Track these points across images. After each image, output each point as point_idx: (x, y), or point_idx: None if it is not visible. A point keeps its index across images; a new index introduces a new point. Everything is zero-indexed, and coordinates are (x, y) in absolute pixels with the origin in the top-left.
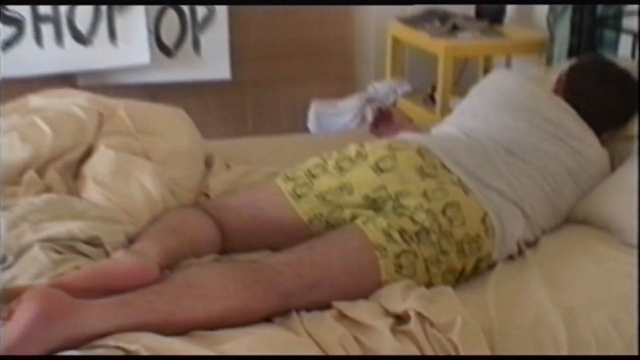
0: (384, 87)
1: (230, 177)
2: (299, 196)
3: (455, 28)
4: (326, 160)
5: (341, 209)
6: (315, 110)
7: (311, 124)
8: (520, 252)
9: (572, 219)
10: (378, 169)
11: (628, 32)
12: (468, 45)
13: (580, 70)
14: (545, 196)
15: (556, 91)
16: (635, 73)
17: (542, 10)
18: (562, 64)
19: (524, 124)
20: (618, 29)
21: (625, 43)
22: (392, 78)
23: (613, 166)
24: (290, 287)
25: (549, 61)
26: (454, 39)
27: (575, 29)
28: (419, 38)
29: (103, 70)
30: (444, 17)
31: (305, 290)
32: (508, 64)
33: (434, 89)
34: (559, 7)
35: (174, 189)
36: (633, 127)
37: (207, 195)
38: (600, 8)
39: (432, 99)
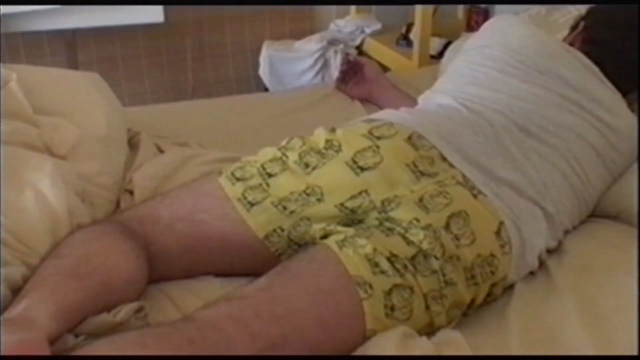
0: (348, 26)
1: (162, 167)
2: (251, 203)
3: None
4: (286, 153)
5: (308, 222)
6: (268, 54)
7: (263, 71)
8: (541, 264)
9: (602, 213)
10: (356, 166)
11: None
12: None
13: (603, 15)
14: (571, 187)
15: (572, 42)
16: None
17: None
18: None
19: (540, 90)
20: None
21: None
22: (358, 14)
23: None
24: (242, 353)
25: None
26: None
27: None
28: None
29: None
30: None
31: (264, 354)
32: None
33: (409, 27)
34: None
35: (88, 190)
36: None
37: (131, 193)
38: None
39: (406, 39)
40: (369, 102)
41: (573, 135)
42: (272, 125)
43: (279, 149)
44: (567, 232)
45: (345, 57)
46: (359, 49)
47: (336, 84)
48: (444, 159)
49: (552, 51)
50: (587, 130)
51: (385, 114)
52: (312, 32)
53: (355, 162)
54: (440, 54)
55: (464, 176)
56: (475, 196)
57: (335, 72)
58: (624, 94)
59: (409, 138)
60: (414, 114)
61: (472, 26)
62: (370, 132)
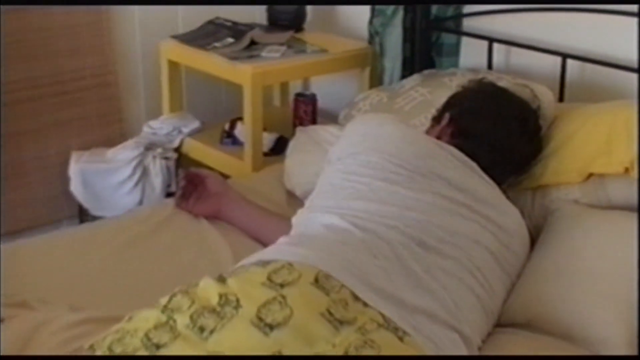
0: (164, 127)
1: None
2: None
3: (253, 44)
4: (172, 315)
5: None
6: (78, 168)
7: (75, 187)
8: None
9: (509, 321)
10: (263, 324)
11: (471, 35)
12: (279, 67)
13: (468, 105)
14: (478, 300)
15: (439, 136)
16: (526, 93)
17: (355, 12)
18: (397, 81)
19: (428, 197)
20: (459, 32)
21: (470, 48)
22: (172, 114)
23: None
24: None
25: (378, 78)
26: (259, 61)
27: (408, 34)
28: (211, 63)
29: None
30: (234, 30)
31: None
32: (307, 85)
33: (233, 124)
34: (390, 9)
35: None
36: (538, 171)
37: None
38: (435, 8)
39: (231, 137)
40: (218, 219)
41: (470, 242)
42: (119, 264)
43: (163, 311)
44: (479, 349)
45: (185, 174)
46: (178, 151)
47: (176, 202)
48: (357, 297)
49: (428, 151)
50: (481, 234)
51: (276, 252)
52: (123, 137)
53: (261, 320)
54: (273, 150)
55: (383, 316)
56: (401, 338)
57: (156, 179)
58: (498, 184)
59: (316, 281)
60: (306, 244)
61: (300, 116)
62: (270, 279)
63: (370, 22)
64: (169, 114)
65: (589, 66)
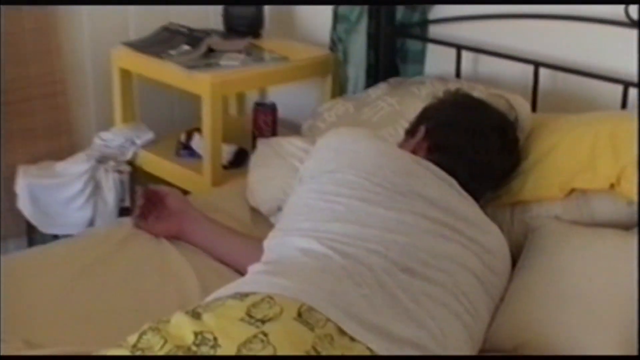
0: (116, 138)
1: None
2: None
3: (210, 51)
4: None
5: None
6: (26, 183)
7: (23, 203)
8: None
9: (495, 347)
10: None
11: (439, 42)
12: (239, 76)
13: (444, 118)
14: (465, 328)
15: (415, 150)
16: (502, 104)
17: (315, 18)
18: (361, 90)
19: (409, 217)
20: (427, 39)
21: (435, 55)
22: (126, 124)
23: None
24: None
25: (341, 87)
26: (218, 70)
27: (372, 41)
28: (167, 72)
29: None
30: (190, 37)
31: None
32: (264, 93)
33: (190, 135)
34: (354, 14)
35: None
36: (516, 185)
37: None
38: (400, 14)
39: (188, 149)
40: (179, 239)
41: (454, 265)
42: (75, 292)
43: (132, 351)
44: None
45: (143, 190)
46: (132, 164)
47: (134, 222)
48: (342, 331)
49: (406, 167)
50: (465, 256)
51: (253, 282)
52: (73, 150)
53: None
54: (232, 163)
55: (370, 351)
56: None
57: (109, 194)
58: (476, 200)
59: (299, 315)
60: (285, 273)
61: (260, 126)
62: (249, 314)
63: (334, 28)
64: (121, 124)
65: (561, 75)
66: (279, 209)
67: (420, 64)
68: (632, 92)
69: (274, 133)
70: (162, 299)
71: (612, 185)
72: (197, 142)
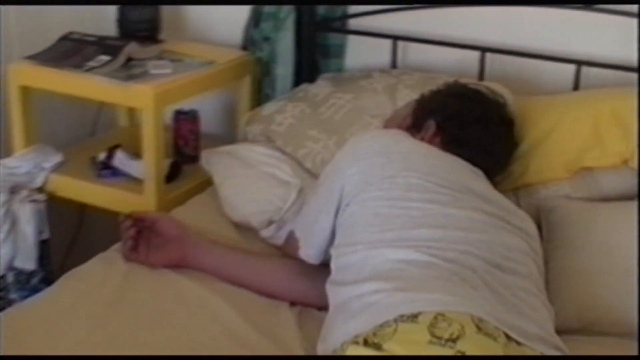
0: (23, 164)
1: None
2: None
3: (129, 60)
4: None
5: None
6: None
7: None
8: None
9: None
10: None
11: (373, 34)
12: (178, 84)
13: (454, 108)
14: (550, 314)
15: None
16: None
17: (208, 19)
18: (289, 89)
19: (475, 214)
20: (344, 31)
21: (356, 48)
22: (29, 148)
23: None
24: None
25: (269, 86)
26: (154, 80)
27: (298, 38)
28: (91, 86)
29: None
30: (104, 46)
31: None
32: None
33: (111, 153)
34: (282, 12)
35: None
36: (517, 170)
37: None
38: (322, 9)
39: (110, 168)
40: (181, 267)
41: (522, 255)
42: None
43: None
44: None
45: (125, 218)
46: (44, 190)
47: (126, 255)
48: (508, 337)
49: (451, 164)
50: (523, 244)
51: (405, 299)
52: None
53: None
54: (169, 177)
55: (540, 352)
56: None
57: (27, 227)
58: None
59: (479, 328)
60: (418, 287)
61: (184, 136)
62: (435, 336)
63: (256, 26)
64: (24, 149)
65: (499, 59)
66: (270, 221)
67: (341, 58)
68: (585, 70)
69: (197, 141)
70: (202, 332)
71: (625, 161)
72: (120, 160)
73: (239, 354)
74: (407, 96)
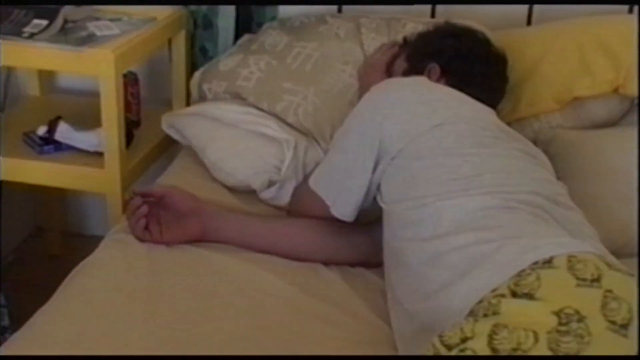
0: None
1: None
2: None
3: (66, 22)
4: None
5: None
6: None
7: None
8: None
9: None
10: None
11: None
12: (133, 45)
13: (455, 48)
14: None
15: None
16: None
17: None
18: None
19: (517, 154)
20: None
21: None
22: None
23: None
24: None
25: (210, 41)
26: (110, 42)
27: None
28: (37, 55)
29: None
30: (36, 9)
31: None
32: None
33: (52, 126)
34: None
35: None
36: (508, 105)
37: None
38: None
39: (52, 142)
40: (201, 241)
41: (563, 190)
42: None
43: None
44: None
45: (131, 195)
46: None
47: (138, 234)
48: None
49: (475, 105)
50: (551, 176)
51: (527, 246)
52: None
53: (613, 323)
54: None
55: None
56: None
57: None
58: None
59: (609, 266)
60: (521, 234)
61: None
62: (579, 278)
63: None
64: None
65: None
66: (271, 182)
67: (275, 5)
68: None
69: (139, 106)
70: (267, 311)
71: (616, 89)
72: (64, 133)
73: (324, 331)
74: (374, 40)
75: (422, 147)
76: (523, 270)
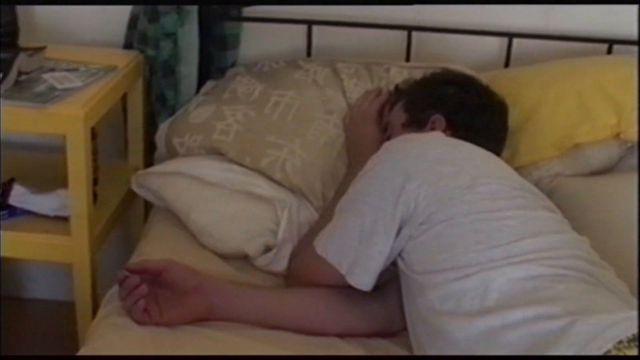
0: None
1: None
2: None
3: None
4: None
5: None
6: None
7: None
8: None
9: None
10: None
11: (271, 20)
12: (99, 99)
13: (457, 98)
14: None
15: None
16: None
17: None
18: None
19: (546, 213)
20: (251, 19)
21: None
22: None
23: None
24: None
25: (171, 89)
26: (74, 97)
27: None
28: (7, 118)
29: None
30: None
31: None
32: None
33: (6, 188)
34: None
35: None
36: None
37: None
38: None
39: (5, 208)
40: (206, 320)
41: (588, 246)
42: None
43: None
44: None
45: (123, 273)
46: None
47: (138, 319)
48: None
49: (496, 161)
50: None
51: (601, 322)
52: None
53: None
54: None
55: None
56: None
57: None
58: None
59: None
60: (584, 311)
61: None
62: None
63: (153, 21)
64: None
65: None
66: (267, 247)
67: (237, 49)
68: (516, 42)
69: (96, 163)
70: None
71: (617, 135)
72: (18, 197)
73: None
74: (356, 86)
75: (455, 212)
76: (609, 351)
